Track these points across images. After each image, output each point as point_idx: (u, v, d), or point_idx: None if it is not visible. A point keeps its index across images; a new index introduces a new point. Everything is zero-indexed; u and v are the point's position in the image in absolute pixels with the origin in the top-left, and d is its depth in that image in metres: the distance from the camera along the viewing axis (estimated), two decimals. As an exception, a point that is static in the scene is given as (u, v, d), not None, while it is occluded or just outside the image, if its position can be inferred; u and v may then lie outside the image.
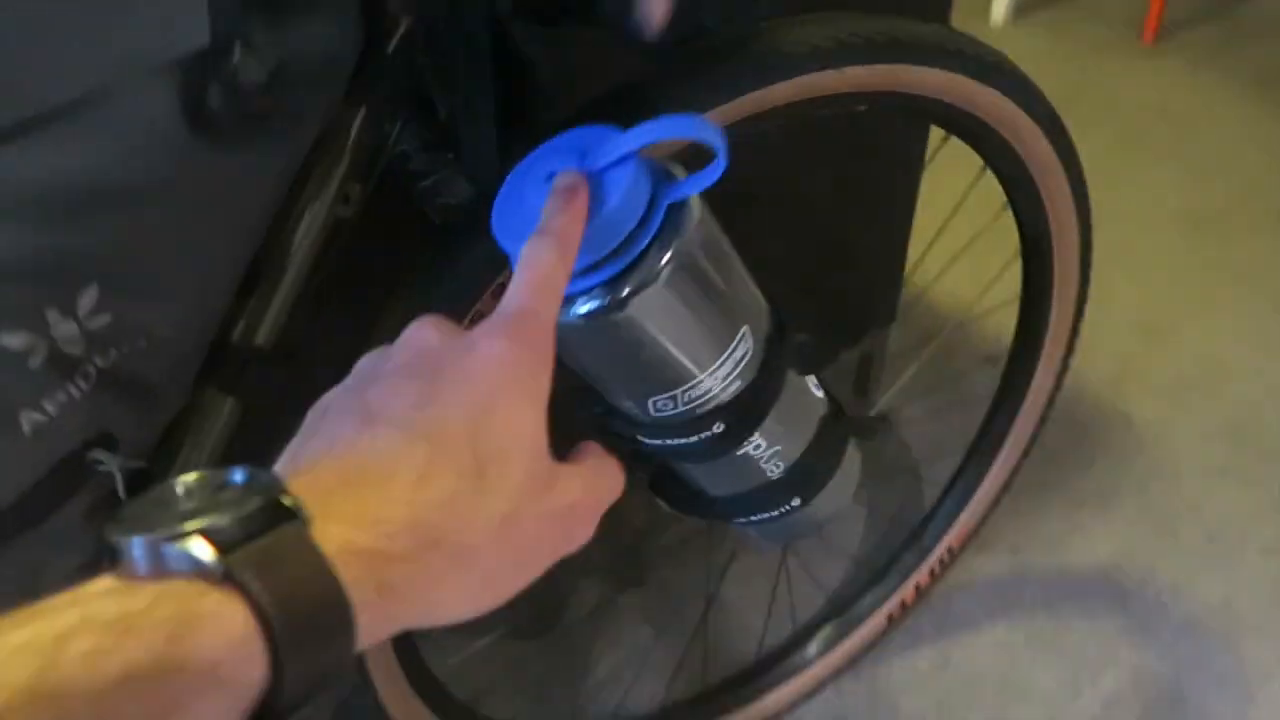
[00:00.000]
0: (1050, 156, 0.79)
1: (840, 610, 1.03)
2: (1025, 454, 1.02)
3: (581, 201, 0.40)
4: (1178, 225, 1.55)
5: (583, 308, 0.43)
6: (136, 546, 0.25)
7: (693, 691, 1.00)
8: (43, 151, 0.40)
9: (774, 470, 0.55)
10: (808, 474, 0.56)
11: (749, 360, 0.49)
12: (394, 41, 0.49)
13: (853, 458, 0.60)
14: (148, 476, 0.50)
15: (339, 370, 0.37)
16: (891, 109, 0.71)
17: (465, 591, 0.32)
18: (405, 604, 0.30)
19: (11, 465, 0.44)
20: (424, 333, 0.35)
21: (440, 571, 0.31)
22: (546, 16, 0.47)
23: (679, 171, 0.45)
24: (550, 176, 0.42)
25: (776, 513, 0.57)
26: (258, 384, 0.54)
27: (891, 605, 1.03)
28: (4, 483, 0.44)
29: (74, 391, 0.45)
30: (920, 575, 1.03)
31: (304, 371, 0.54)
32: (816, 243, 1.09)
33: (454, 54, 0.47)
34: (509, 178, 0.43)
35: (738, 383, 0.49)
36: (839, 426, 0.58)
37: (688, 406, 0.48)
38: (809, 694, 1.02)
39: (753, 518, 0.57)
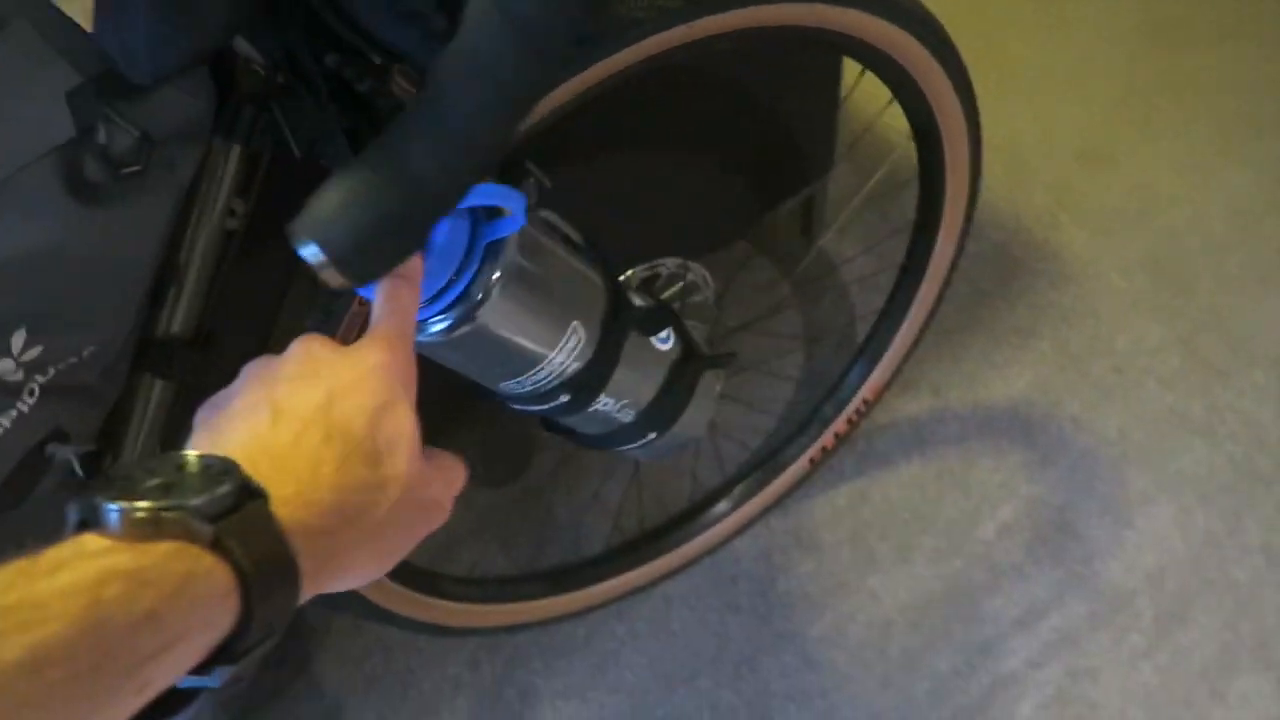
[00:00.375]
0: (925, 58, 0.83)
1: (765, 458, 1.15)
2: (931, 315, 1.10)
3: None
4: (1133, 38, 1.53)
5: (435, 328, 0.52)
6: (132, 513, 0.30)
7: (637, 533, 1.14)
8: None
9: (627, 416, 0.65)
10: (659, 413, 0.66)
11: (583, 346, 0.58)
12: (250, 84, 0.55)
13: (706, 389, 0.70)
14: (99, 457, 0.61)
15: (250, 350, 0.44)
16: (756, 42, 0.75)
17: (367, 560, 0.40)
18: (327, 570, 0.37)
19: (-17, 471, 0.55)
20: (311, 345, 0.42)
21: (353, 543, 0.38)
22: (370, 61, 0.52)
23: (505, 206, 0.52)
24: None
25: (637, 444, 0.67)
26: (183, 366, 0.63)
27: (813, 451, 1.15)
28: (-19, 484, 0.55)
29: (22, 406, 0.55)
30: (838, 425, 1.14)
31: (222, 351, 0.64)
32: (750, 102, 1.13)
33: (300, 99, 0.53)
34: None
35: (576, 364, 0.58)
36: (689, 368, 0.67)
37: (534, 386, 0.58)
38: (740, 532, 1.16)
39: (619, 448, 0.68)
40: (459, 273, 0.51)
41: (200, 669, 0.31)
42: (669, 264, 0.92)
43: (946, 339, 1.29)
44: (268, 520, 0.33)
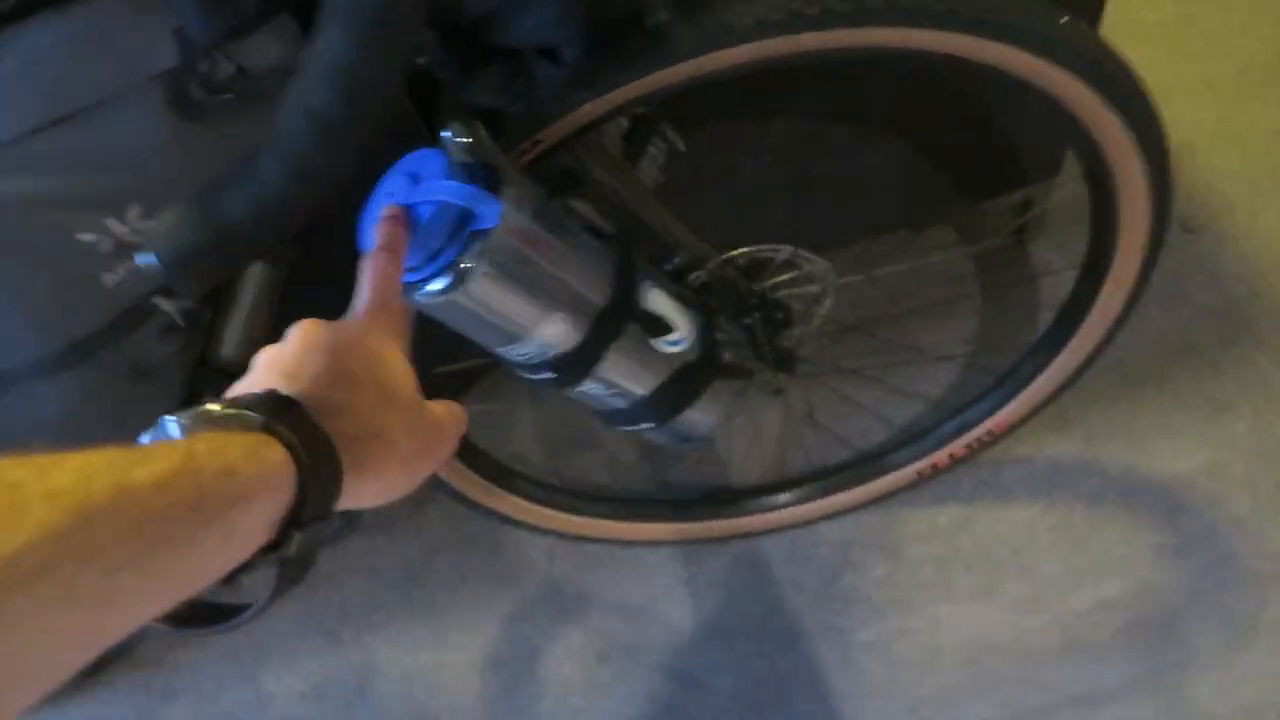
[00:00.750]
0: (1093, 101, 0.75)
1: (872, 456, 1.13)
2: (1086, 364, 1.01)
3: (399, 226, 0.54)
4: None
5: (430, 287, 0.58)
6: (197, 415, 0.39)
7: (721, 487, 1.17)
8: (85, 133, 0.60)
9: (619, 403, 0.68)
10: (656, 407, 0.69)
11: (568, 334, 0.62)
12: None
13: (719, 394, 0.71)
14: (198, 315, 0.74)
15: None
16: (884, 61, 0.71)
17: (392, 472, 0.45)
18: (367, 470, 0.43)
19: (101, 305, 0.69)
20: (306, 327, 0.47)
21: (380, 452, 0.44)
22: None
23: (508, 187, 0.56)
24: (391, 195, 0.56)
25: (635, 429, 0.71)
26: (283, 253, 0.74)
27: (922, 465, 1.11)
28: (99, 314, 0.69)
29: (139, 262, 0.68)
30: (955, 447, 1.10)
31: (324, 240, 0.73)
32: (973, 89, 1.06)
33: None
34: (370, 200, 0.57)
35: (558, 349, 0.62)
36: (699, 374, 0.69)
37: (521, 358, 0.63)
38: (828, 517, 1.16)
39: (620, 428, 0.72)
40: (451, 243, 0.56)
41: (275, 546, 0.39)
42: (784, 251, 0.91)
43: (1128, 387, 1.17)
44: (306, 418, 0.41)
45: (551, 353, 0.62)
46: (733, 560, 1.17)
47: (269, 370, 0.46)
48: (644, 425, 0.70)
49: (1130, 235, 0.88)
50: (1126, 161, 0.80)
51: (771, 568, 1.16)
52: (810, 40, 0.67)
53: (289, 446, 0.39)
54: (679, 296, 0.69)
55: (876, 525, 1.16)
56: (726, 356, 0.72)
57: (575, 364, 0.63)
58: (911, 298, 1.22)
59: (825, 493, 1.13)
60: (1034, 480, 1.15)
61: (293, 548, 0.39)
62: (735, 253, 0.89)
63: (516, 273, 0.58)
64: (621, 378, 0.66)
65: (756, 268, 0.91)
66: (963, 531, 1.14)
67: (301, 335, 0.47)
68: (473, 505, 1.04)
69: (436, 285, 0.57)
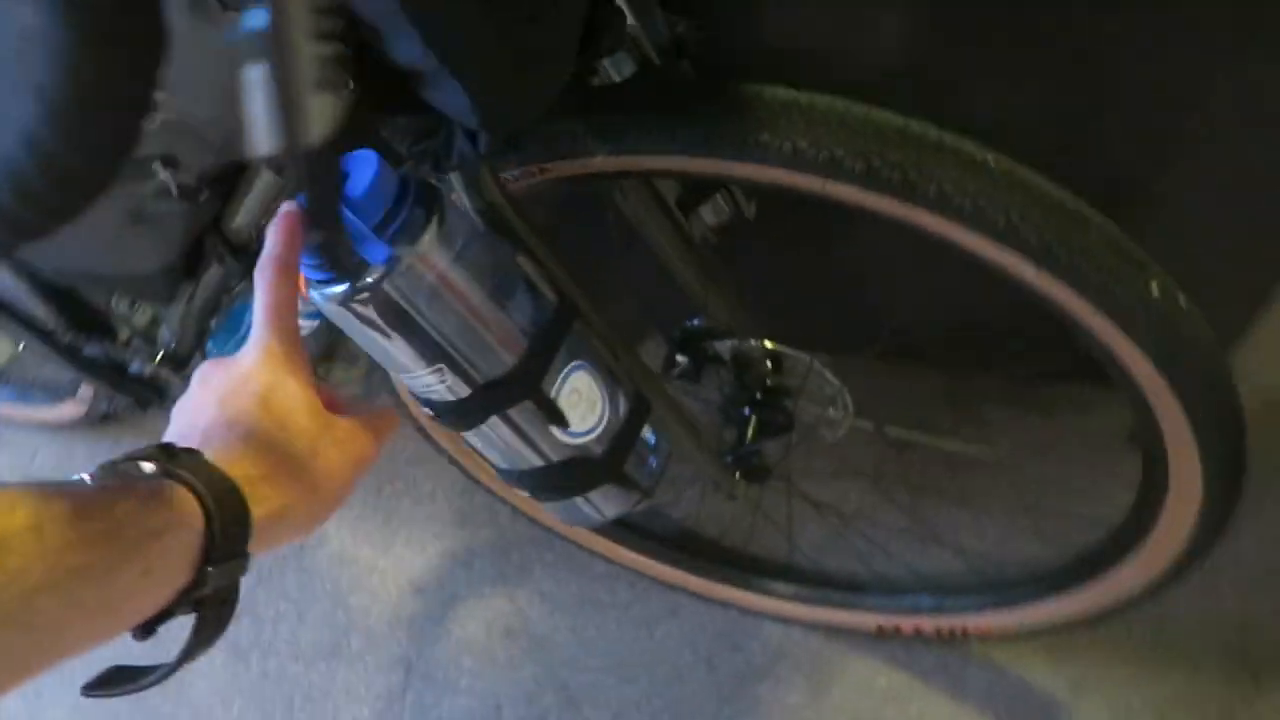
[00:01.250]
0: (1148, 369, 0.63)
1: (836, 583, 1.05)
2: (1084, 621, 0.89)
3: (295, 229, 0.51)
4: None
5: (328, 290, 0.55)
6: (108, 466, 0.41)
7: (686, 534, 1.13)
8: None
9: (500, 463, 0.65)
10: (538, 483, 0.65)
11: (450, 387, 0.58)
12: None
13: (611, 497, 0.67)
14: (193, 190, 0.75)
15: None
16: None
17: (303, 502, 0.46)
18: (269, 506, 0.43)
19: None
20: (204, 371, 0.50)
21: (286, 486, 0.45)
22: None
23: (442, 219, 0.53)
24: None
25: (522, 492, 0.67)
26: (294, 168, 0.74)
27: (884, 619, 1.03)
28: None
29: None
30: (925, 622, 1.01)
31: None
32: None
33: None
34: None
35: (445, 396, 0.59)
36: (593, 471, 0.64)
37: (410, 384, 0.60)
38: (777, 618, 1.10)
39: (512, 483, 0.68)
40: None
41: (192, 587, 0.40)
42: (804, 359, 0.84)
43: (1151, 652, 1.04)
44: (199, 457, 0.43)
45: (434, 397, 0.59)
46: (669, 611, 1.14)
47: (174, 425, 0.49)
48: (522, 492, 0.67)
49: (1170, 528, 0.75)
50: (1183, 457, 0.68)
51: (699, 635, 1.12)
52: (845, 192, 0.59)
53: (189, 487, 0.41)
54: (612, 383, 0.64)
55: (817, 651, 1.09)
56: (652, 466, 0.67)
57: (456, 415, 0.60)
58: (944, 465, 1.11)
59: (779, 595, 1.07)
60: (994, 693, 1.05)
61: (209, 587, 0.40)
62: (769, 344, 0.83)
63: (414, 307, 0.54)
64: (507, 445, 0.62)
65: (774, 360, 0.85)
66: (895, 704, 1.05)
67: (199, 383, 0.50)
68: (440, 451, 1.05)
69: (332, 290, 0.55)
